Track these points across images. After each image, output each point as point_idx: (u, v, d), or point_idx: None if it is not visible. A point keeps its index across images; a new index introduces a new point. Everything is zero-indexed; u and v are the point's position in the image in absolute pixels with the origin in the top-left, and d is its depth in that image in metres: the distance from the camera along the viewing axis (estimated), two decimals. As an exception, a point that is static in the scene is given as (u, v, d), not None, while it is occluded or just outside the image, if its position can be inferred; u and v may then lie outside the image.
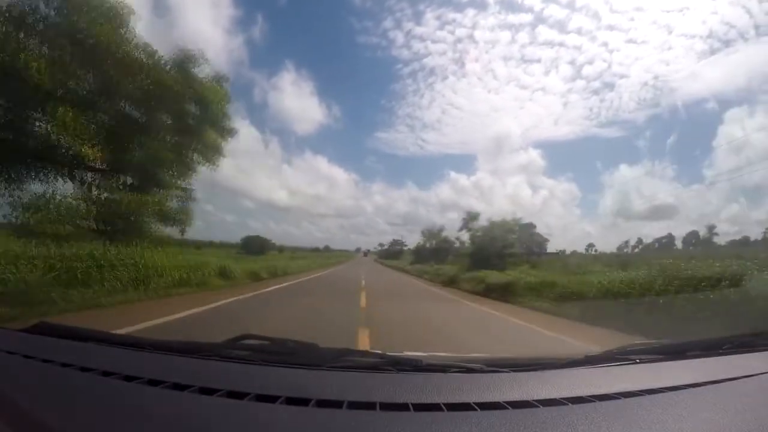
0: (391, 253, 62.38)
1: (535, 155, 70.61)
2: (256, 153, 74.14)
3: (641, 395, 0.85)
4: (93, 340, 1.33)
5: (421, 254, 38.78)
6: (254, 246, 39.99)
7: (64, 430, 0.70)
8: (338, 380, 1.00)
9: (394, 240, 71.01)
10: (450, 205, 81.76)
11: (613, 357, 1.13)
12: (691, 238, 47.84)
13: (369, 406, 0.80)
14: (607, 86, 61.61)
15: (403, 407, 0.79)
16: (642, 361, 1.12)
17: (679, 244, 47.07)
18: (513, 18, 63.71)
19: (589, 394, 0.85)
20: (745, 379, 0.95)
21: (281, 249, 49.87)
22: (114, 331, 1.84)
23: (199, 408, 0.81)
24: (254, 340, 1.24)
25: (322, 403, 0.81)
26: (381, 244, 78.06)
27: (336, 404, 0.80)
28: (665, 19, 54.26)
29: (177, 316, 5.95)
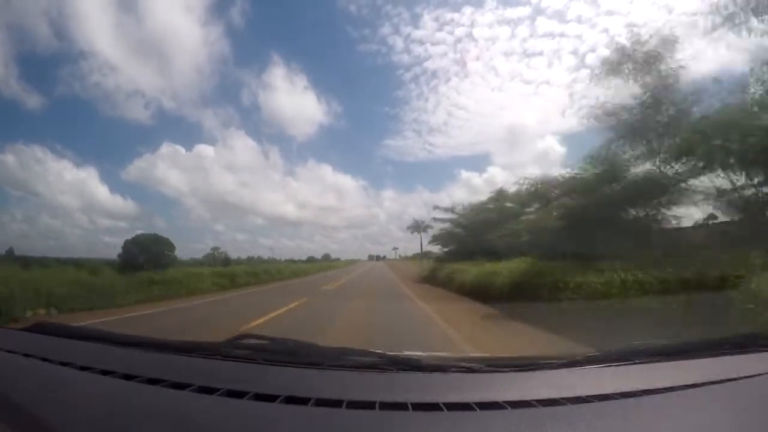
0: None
1: (543, 150, 69.39)
2: (257, 166, 72.28)
3: (641, 395, 0.85)
4: (92, 339, 1.33)
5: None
6: (141, 255, 21.12)
7: (63, 430, 0.70)
8: (338, 379, 1.00)
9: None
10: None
11: (613, 357, 1.13)
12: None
13: (368, 405, 0.80)
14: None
15: (402, 407, 0.79)
16: (642, 362, 1.11)
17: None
18: (511, 12, 63.57)
19: (589, 394, 0.84)
20: (746, 379, 0.95)
21: (238, 261, 35.96)
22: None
23: (198, 407, 0.81)
24: (254, 339, 1.25)
25: (322, 403, 0.80)
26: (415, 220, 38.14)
27: (335, 403, 0.80)
28: (664, -1, 54.13)
29: None
